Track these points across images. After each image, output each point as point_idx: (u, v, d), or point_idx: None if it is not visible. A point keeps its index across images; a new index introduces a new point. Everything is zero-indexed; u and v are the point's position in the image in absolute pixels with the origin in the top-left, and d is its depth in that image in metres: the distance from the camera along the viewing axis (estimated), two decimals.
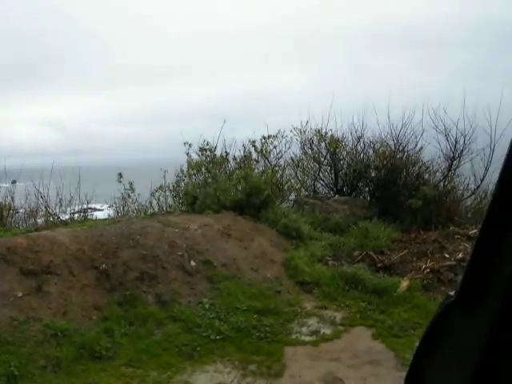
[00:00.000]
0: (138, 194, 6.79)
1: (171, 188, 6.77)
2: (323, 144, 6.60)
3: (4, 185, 6.85)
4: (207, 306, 3.78)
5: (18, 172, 6.99)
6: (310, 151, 6.75)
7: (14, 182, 7.12)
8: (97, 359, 3.09)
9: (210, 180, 5.88)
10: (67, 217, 5.60)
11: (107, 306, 3.63)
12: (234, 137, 6.50)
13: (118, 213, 6.33)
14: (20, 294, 3.50)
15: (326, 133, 6.55)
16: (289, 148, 6.85)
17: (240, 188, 5.52)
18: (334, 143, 6.64)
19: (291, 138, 6.66)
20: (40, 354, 3.03)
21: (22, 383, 2.79)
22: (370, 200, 6.68)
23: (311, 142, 6.67)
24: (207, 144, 6.52)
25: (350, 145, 6.71)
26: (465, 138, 6.31)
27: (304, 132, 6.66)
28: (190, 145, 5.98)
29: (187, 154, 6.04)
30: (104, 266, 3.91)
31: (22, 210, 6.02)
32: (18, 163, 6.39)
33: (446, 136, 6.41)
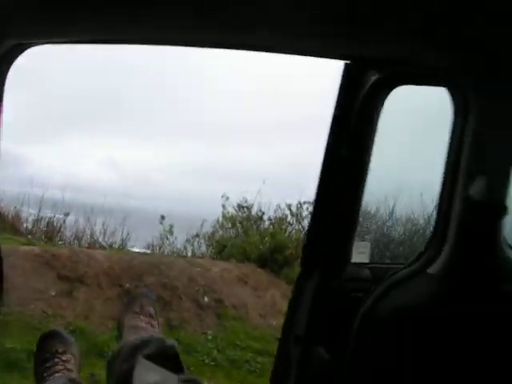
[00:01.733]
0: (176, 238, 7.49)
1: (206, 237, 7.44)
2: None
3: (58, 215, 7.80)
4: (210, 337, 4.27)
5: (71, 204, 7.96)
6: None
7: (67, 214, 7.97)
8: (103, 357, 3.65)
9: (241, 234, 6.52)
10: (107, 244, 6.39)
11: None
12: (270, 197, 7.14)
13: (153, 250, 7.04)
14: (53, 294, 4.21)
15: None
16: None
17: (266, 243, 6.09)
18: None
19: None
20: None
21: None
22: None
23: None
24: (245, 201, 7.21)
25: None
26: None
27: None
28: (227, 198, 6.70)
29: (223, 206, 6.75)
30: (128, 285, 4.56)
31: (69, 234, 6.89)
32: (73, 196, 7.31)
33: None
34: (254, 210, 7.26)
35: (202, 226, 7.42)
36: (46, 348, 1.66)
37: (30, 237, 5.81)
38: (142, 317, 1.71)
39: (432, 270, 1.08)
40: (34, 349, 3.43)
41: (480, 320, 1.01)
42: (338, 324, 1.22)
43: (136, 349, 1.53)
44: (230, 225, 6.97)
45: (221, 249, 6.23)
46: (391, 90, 1.13)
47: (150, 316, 1.74)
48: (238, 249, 6.00)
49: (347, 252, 1.31)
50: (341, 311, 1.23)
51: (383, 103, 1.14)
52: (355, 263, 1.35)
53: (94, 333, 3.89)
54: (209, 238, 7.40)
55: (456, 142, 1.02)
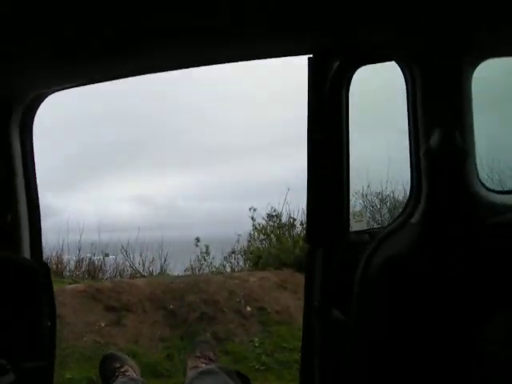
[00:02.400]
0: (213, 258, 7.72)
1: (242, 252, 7.64)
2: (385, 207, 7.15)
3: (97, 256, 8.15)
4: (257, 344, 4.43)
5: (108, 245, 8.30)
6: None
7: (106, 255, 8.31)
8: (157, 377, 3.89)
9: (274, 242, 6.70)
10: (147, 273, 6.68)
11: (171, 338, 4.46)
12: (298, 203, 7.29)
13: (193, 272, 7.28)
14: (103, 325, 4.48)
15: (388, 195, 7.12)
16: None
17: (300, 247, 6.23)
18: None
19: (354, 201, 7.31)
20: None
21: None
22: None
23: (373, 206, 7.25)
24: (274, 211, 7.39)
25: None
26: None
27: (365, 196, 7.30)
28: (254, 209, 6.91)
29: (252, 219, 6.96)
30: (171, 306, 4.80)
31: (110, 269, 7.22)
32: (109, 235, 7.63)
33: None
34: (284, 218, 7.43)
35: (237, 241, 7.64)
36: (107, 368, 1.99)
37: (73, 277, 6.16)
38: (202, 359, 2.05)
39: (414, 219, 1.24)
40: (91, 376, 3.70)
41: (462, 253, 1.16)
42: (346, 286, 1.39)
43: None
44: (262, 236, 7.16)
45: (257, 260, 6.41)
46: (353, 72, 1.32)
47: (210, 359, 2.08)
48: (273, 257, 6.17)
49: (345, 223, 1.49)
50: (347, 274, 1.40)
51: (348, 85, 1.33)
52: (355, 231, 1.53)
53: (145, 355, 4.13)
54: (244, 252, 7.60)
55: (411, 105, 1.20)
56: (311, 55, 1.32)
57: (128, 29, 1.11)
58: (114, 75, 1.39)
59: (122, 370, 1.94)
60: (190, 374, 2.01)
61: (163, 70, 1.51)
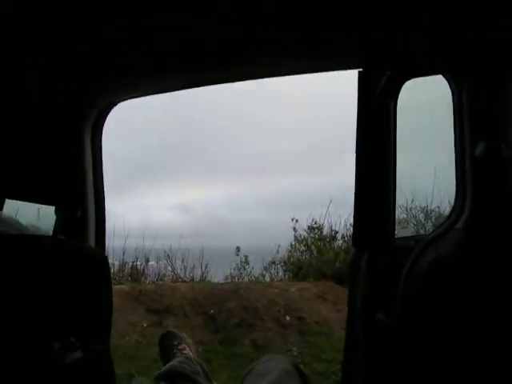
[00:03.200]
0: (252, 267, 7.84)
1: (282, 263, 7.72)
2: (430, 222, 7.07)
3: (139, 262, 8.43)
4: (295, 353, 4.50)
5: (151, 251, 8.56)
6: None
7: (147, 260, 8.52)
8: None
9: (315, 254, 6.75)
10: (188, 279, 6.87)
11: (210, 342, 4.59)
12: (340, 216, 7.32)
13: (232, 281, 7.42)
14: (145, 325, 4.67)
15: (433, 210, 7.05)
16: None
17: (341, 260, 6.26)
18: None
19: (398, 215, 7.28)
20: (154, 368, 4.06)
21: None
22: None
23: (416, 220, 7.20)
24: (315, 223, 7.45)
25: None
26: None
27: (410, 209, 7.25)
28: (296, 220, 7.00)
29: (294, 229, 7.05)
30: (212, 311, 4.94)
31: (152, 274, 7.47)
32: (151, 242, 7.88)
33: None
34: (326, 230, 7.47)
35: (277, 251, 7.74)
36: (166, 344, 2.14)
37: (117, 279, 6.42)
38: None
39: (458, 225, 1.31)
40: (133, 373, 3.87)
41: (505, 259, 1.22)
42: (390, 289, 1.47)
43: None
44: (303, 247, 7.23)
45: (297, 271, 6.49)
46: (401, 85, 1.41)
47: None
48: (313, 268, 6.23)
49: (390, 229, 1.57)
50: (391, 278, 1.48)
51: (396, 98, 1.43)
52: (400, 237, 1.61)
53: None
54: (285, 262, 7.69)
55: (457, 117, 1.28)
56: (361, 69, 1.43)
57: (200, 42, 1.25)
58: (183, 86, 1.54)
59: (180, 347, 2.07)
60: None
61: (229, 81, 1.64)
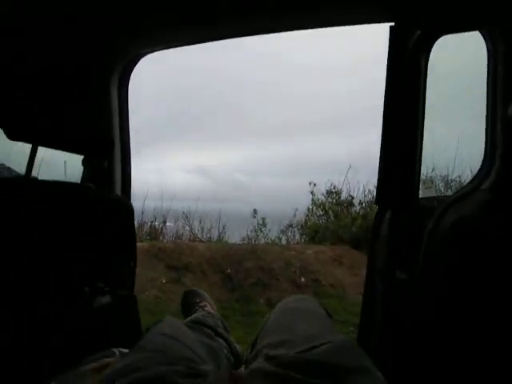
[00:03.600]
0: (269, 230, 7.93)
1: (299, 226, 7.78)
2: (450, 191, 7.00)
3: (157, 222, 8.56)
4: None
5: (169, 211, 8.68)
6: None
7: (164, 221, 8.65)
8: None
9: (332, 218, 6.78)
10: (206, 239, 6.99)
11: (227, 300, 4.70)
12: (359, 182, 7.30)
13: (249, 242, 7.53)
14: (164, 281, 4.80)
15: (454, 180, 6.98)
16: None
17: (358, 225, 6.28)
18: None
19: None
20: None
21: None
22: None
23: (436, 190, 7.12)
24: (334, 187, 7.44)
25: None
26: None
27: (430, 178, 7.18)
28: (314, 184, 7.00)
29: (312, 193, 7.06)
30: (229, 270, 5.04)
31: (170, 234, 7.60)
32: (169, 204, 7.97)
33: None
34: (343, 196, 7.47)
35: (294, 215, 7.79)
36: (188, 302, 2.22)
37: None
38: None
39: (484, 186, 1.31)
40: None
41: None
42: (412, 248, 1.48)
43: None
44: (320, 211, 7.26)
45: (313, 234, 6.54)
46: (434, 42, 1.38)
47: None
48: (330, 232, 6.27)
49: (414, 188, 1.57)
50: (414, 237, 1.48)
51: (428, 55, 1.40)
52: (424, 197, 1.60)
53: None
54: (301, 226, 7.74)
55: (492, 76, 1.26)
56: (393, 23, 1.39)
57: None
58: (207, 38, 1.53)
59: (201, 304, 2.15)
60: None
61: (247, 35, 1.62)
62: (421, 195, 1.60)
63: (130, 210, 1.48)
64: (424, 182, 1.60)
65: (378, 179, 1.61)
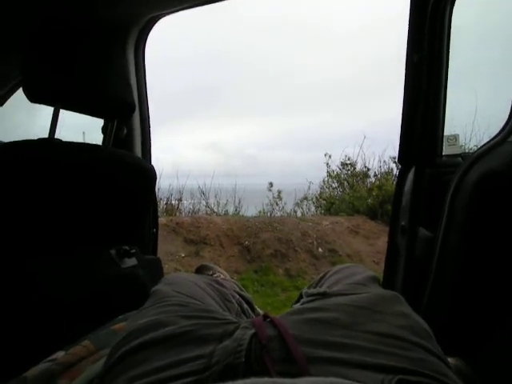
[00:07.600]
0: (285, 203, 7.92)
1: (314, 199, 7.76)
2: None
3: (173, 199, 8.60)
4: None
5: (184, 187, 8.72)
6: None
7: (180, 199, 8.71)
8: None
9: (347, 190, 6.73)
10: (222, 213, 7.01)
11: (245, 271, 4.74)
12: (374, 153, 7.22)
13: (265, 215, 7.53)
14: (183, 255, 4.83)
15: (471, 149, 6.86)
16: None
17: (374, 196, 6.24)
18: None
19: None
20: None
21: None
22: None
23: None
24: (348, 159, 7.38)
25: None
26: None
27: None
28: (329, 156, 6.94)
29: (327, 165, 7.01)
30: (247, 242, 5.06)
31: (187, 210, 7.64)
32: (184, 181, 8.00)
33: None
34: (358, 168, 7.41)
35: (309, 188, 7.76)
36: (201, 274, 2.24)
37: None
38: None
39: (511, 139, 1.27)
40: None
41: None
42: (436, 205, 1.45)
43: None
44: (335, 183, 7.22)
45: (329, 206, 6.51)
46: None
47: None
48: (346, 204, 6.24)
49: (438, 145, 1.53)
50: (437, 194, 1.46)
51: (452, 5, 1.35)
52: (447, 155, 1.57)
53: None
54: (316, 198, 7.72)
55: None
56: None
57: None
58: None
59: (215, 275, 2.17)
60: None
61: None
62: (444, 152, 1.56)
63: (152, 174, 1.47)
64: (448, 139, 1.56)
65: (401, 137, 1.58)
